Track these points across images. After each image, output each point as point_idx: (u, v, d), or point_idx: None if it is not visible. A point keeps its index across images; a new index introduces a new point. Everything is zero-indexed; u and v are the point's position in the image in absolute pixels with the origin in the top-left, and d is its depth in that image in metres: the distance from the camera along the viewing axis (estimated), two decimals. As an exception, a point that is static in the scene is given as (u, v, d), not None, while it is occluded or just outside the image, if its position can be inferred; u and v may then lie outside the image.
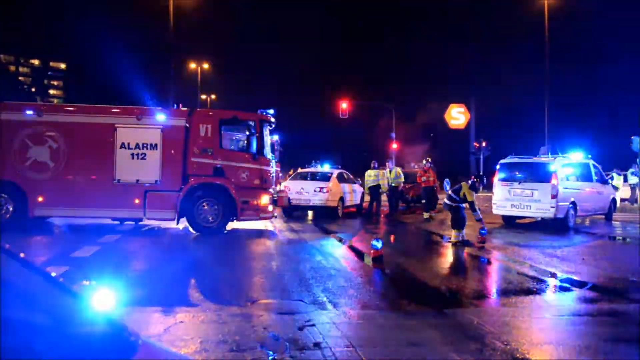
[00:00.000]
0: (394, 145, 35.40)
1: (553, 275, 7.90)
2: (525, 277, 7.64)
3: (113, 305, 1.89)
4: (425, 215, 15.79)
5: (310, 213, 17.09)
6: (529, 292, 6.74)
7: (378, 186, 17.22)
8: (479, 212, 10.63)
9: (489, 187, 15.88)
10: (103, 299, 1.94)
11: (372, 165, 17.65)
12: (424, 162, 16.80)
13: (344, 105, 31.46)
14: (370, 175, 17.33)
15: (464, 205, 10.61)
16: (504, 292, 6.84)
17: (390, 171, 17.71)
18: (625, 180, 22.41)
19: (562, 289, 7.19)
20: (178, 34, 27.47)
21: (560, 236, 12.57)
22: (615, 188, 18.49)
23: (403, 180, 18.03)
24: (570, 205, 13.86)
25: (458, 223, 10.58)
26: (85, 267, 7.54)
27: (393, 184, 17.58)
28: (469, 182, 10.72)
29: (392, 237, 12.14)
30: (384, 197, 18.43)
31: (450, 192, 11.01)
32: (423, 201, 16.37)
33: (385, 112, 38.29)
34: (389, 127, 36.32)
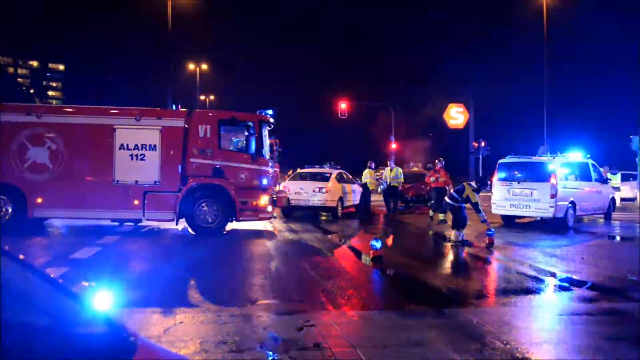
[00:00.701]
0: (393, 145, 35.44)
1: (552, 274, 7.90)
2: (524, 277, 7.65)
3: (112, 306, 1.89)
4: (431, 213, 15.73)
5: (309, 213, 17.09)
6: (528, 291, 6.75)
7: (366, 184, 17.44)
8: (483, 213, 10.64)
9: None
10: (102, 300, 1.94)
11: (368, 165, 17.75)
12: (437, 162, 16.66)
13: (342, 105, 31.47)
14: (365, 175, 17.53)
15: (465, 205, 10.62)
16: (504, 292, 6.84)
17: (391, 170, 17.73)
18: (635, 179, 22.41)
19: (562, 288, 7.19)
20: (177, 35, 27.45)
21: (560, 236, 12.57)
22: (615, 188, 18.51)
23: (403, 180, 18.03)
24: (570, 205, 13.86)
25: (459, 223, 10.58)
26: (84, 269, 7.54)
27: (393, 184, 17.58)
28: (472, 184, 10.72)
29: (391, 237, 12.12)
30: (380, 197, 18.39)
31: (452, 192, 11.02)
32: (432, 202, 16.29)
33: (385, 112, 38.34)
34: (388, 127, 36.37)
